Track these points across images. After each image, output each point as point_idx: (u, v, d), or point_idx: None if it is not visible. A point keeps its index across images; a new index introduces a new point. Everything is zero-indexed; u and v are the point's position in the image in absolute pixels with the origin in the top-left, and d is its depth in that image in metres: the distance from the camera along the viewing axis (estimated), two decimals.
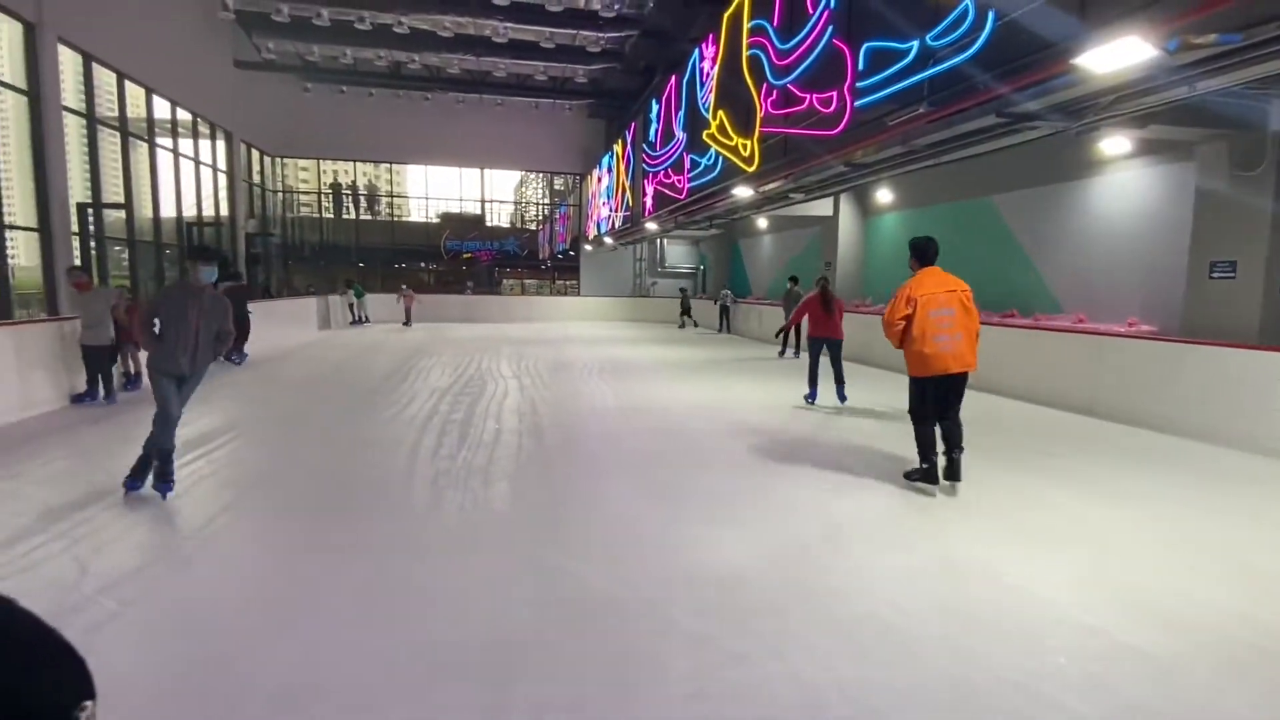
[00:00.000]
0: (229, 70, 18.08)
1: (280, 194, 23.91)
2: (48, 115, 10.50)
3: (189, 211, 16.02)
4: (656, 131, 16.76)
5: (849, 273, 15.29)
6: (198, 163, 16.45)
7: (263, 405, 8.47)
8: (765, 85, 10.12)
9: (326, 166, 25.50)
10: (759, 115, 10.36)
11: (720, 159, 12.18)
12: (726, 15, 11.74)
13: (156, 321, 4.46)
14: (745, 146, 10.94)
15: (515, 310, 24.93)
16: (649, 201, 17.62)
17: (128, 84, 13.09)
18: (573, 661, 2.73)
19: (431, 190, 26.38)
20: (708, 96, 12.81)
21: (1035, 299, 10.27)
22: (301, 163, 25.02)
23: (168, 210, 14.92)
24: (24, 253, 10.83)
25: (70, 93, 11.29)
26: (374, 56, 20.11)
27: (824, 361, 8.33)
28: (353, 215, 25.92)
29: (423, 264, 27.57)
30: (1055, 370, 8.50)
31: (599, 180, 23.68)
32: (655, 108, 16.89)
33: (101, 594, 3.21)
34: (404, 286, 22.21)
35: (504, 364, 12.10)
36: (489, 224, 27.14)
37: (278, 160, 23.28)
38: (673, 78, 15.47)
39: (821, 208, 14.96)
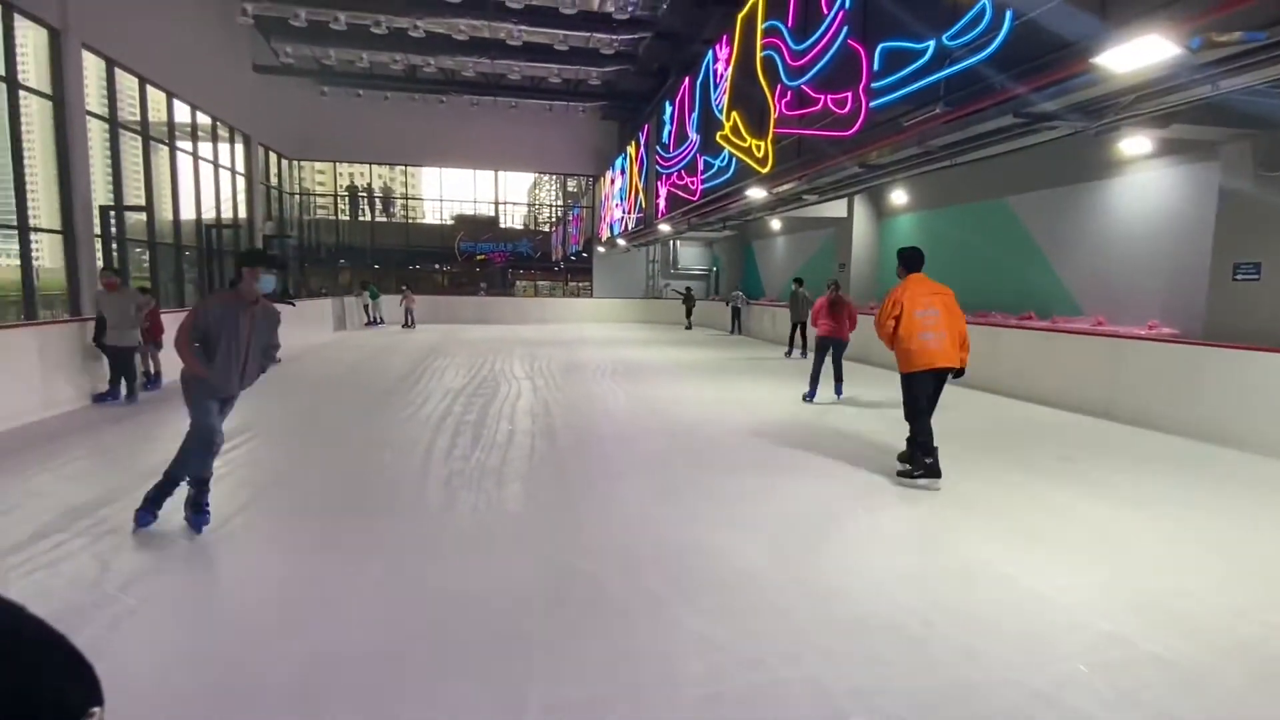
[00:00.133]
0: (248, 74, 18.30)
1: (297, 196, 24.16)
2: (72, 120, 10.67)
3: (208, 214, 16.21)
4: (670, 133, 16.76)
5: (863, 274, 15.19)
6: (217, 166, 16.65)
7: (279, 406, 8.55)
8: (779, 86, 10.09)
9: (343, 169, 25.74)
10: (773, 116, 10.33)
11: (734, 160, 12.15)
12: (740, 16, 11.72)
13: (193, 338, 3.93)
14: (759, 148, 10.91)
15: (528, 312, 25.01)
16: (662, 203, 17.62)
17: (149, 88, 13.28)
18: (586, 662, 2.72)
19: (446, 192, 26.55)
20: (721, 98, 12.79)
21: (1053, 301, 10.15)
22: (318, 165, 25.27)
23: (187, 212, 15.12)
24: (48, 254, 11.01)
25: (93, 97, 11.46)
26: (390, 60, 20.28)
27: (825, 362, 8.71)
28: (368, 217, 26.14)
29: (437, 265, 27.74)
30: (1073, 373, 8.39)
31: (612, 182, 23.71)
32: (668, 109, 16.90)
33: (121, 591, 3.25)
34: (404, 288, 22.18)
35: (517, 365, 12.14)
36: (503, 226, 27.26)
37: (295, 163, 23.51)
38: (686, 79, 15.47)
39: (835, 209, 14.88)
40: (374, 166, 25.71)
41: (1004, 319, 10.38)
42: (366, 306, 21.84)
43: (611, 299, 26.01)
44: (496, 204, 26.72)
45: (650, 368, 12.26)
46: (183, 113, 14.90)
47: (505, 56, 18.96)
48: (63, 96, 10.56)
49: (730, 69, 12.33)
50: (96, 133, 11.61)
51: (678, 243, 25.06)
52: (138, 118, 13.07)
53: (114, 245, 11.94)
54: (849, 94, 8.10)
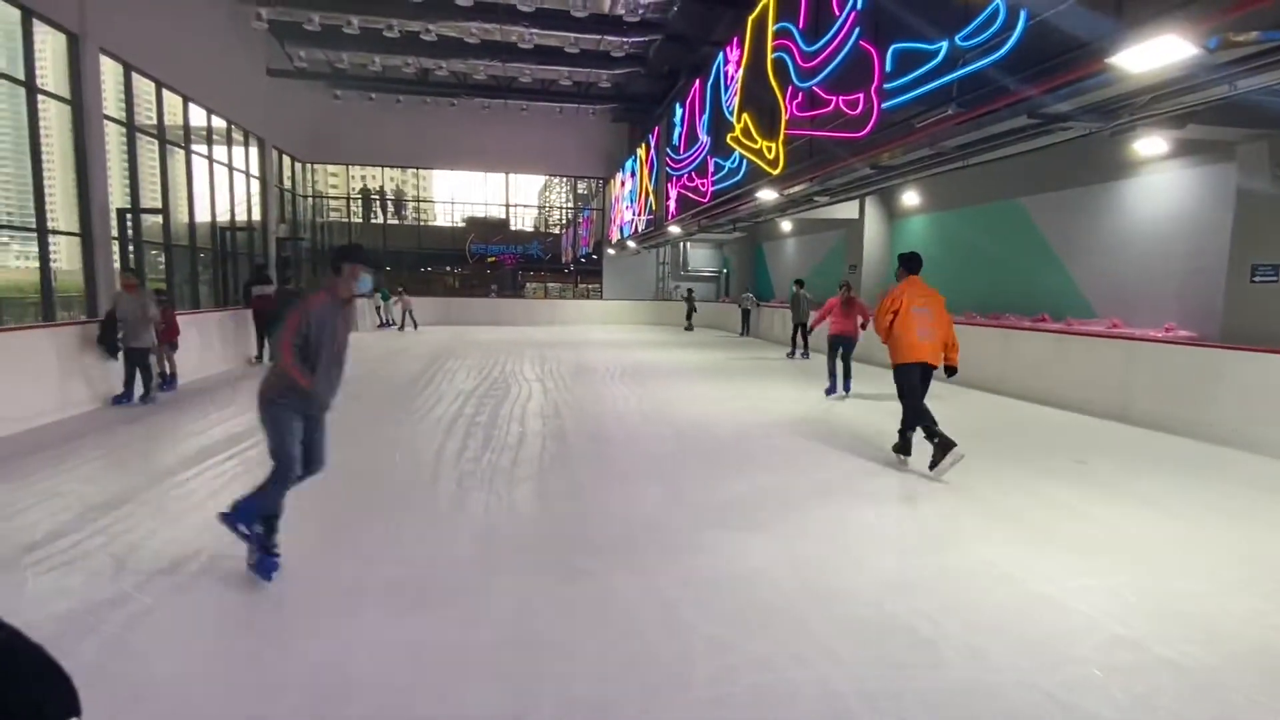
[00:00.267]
0: (262, 78, 18.48)
1: (310, 199, 24.36)
2: (90, 124, 10.81)
3: (223, 216, 16.38)
4: (680, 135, 16.76)
5: (875, 276, 15.12)
6: (231, 169, 16.82)
7: None
8: (790, 88, 10.06)
9: (355, 172, 25.93)
10: (784, 118, 10.31)
11: (744, 162, 12.13)
12: (751, 18, 11.71)
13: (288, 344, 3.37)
14: (770, 149, 10.89)
15: (538, 313, 25.08)
16: (672, 205, 17.62)
17: (166, 93, 13.44)
18: (595, 663, 2.73)
19: (457, 195, 26.69)
20: (732, 100, 12.78)
21: (1067, 303, 10.06)
22: (331, 168, 25.47)
23: (202, 215, 15.28)
24: (65, 256, 11.16)
25: (111, 102, 11.61)
26: (402, 64, 20.42)
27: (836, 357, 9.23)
28: (380, 220, 26.32)
29: (448, 268, 27.87)
30: (1087, 375, 8.32)
31: (622, 184, 23.75)
32: (679, 111, 16.90)
33: (138, 589, 3.29)
34: (400, 289, 21.93)
35: (527, 367, 12.18)
36: (513, 228, 27.36)
37: (308, 166, 23.71)
38: (696, 81, 15.47)
39: (847, 210, 14.83)
40: (386, 169, 25.88)
41: (1017, 321, 10.31)
42: (378, 309, 21.97)
43: (621, 301, 26.04)
44: (507, 206, 26.82)
45: (660, 369, 12.27)
46: (198, 116, 15.07)
47: (516, 59, 19.05)
48: (81, 101, 10.71)
49: (741, 71, 12.32)
50: (114, 137, 11.76)
51: (687, 244, 25.07)
52: (154, 122, 13.23)
53: (130, 248, 12.09)
54: (861, 95, 8.07)
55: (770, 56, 10.77)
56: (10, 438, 6.36)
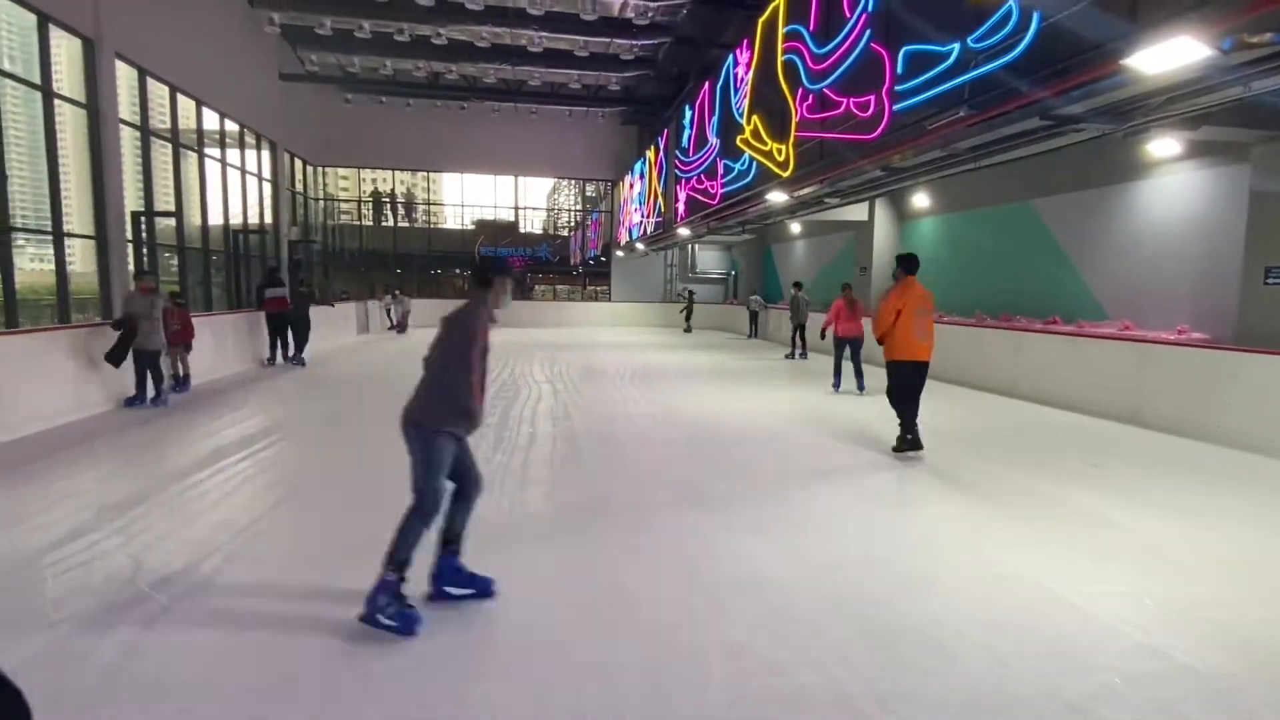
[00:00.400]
0: (274, 82, 18.63)
1: (321, 202, 24.52)
2: (105, 128, 10.93)
3: (235, 219, 16.51)
4: (689, 137, 16.77)
5: (885, 278, 15.05)
6: (244, 172, 16.96)
7: (306, 407, 8.68)
8: (801, 90, 10.06)
9: (366, 175, 26.09)
10: (794, 120, 10.31)
11: (754, 164, 12.13)
12: (761, 21, 11.72)
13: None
14: (780, 151, 10.89)
15: (547, 316, 25.13)
16: (681, 207, 17.63)
17: (179, 97, 13.57)
18: (608, 664, 2.73)
19: (467, 197, 26.80)
20: (742, 102, 12.78)
21: (1079, 305, 10.00)
22: (342, 171, 25.64)
23: (215, 218, 15.41)
24: (80, 259, 11.28)
25: (125, 105, 11.73)
26: (413, 67, 20.54)
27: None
28: (391, 222, 26.45)
29: (457, 270, 27.98)
30: (1100, 378, 8.26)
31: (631, 187, 23.78)
32: (688, 114, 16.92)
33: (155, 589, 3.32)
34: (397, 291, 21.53)
35: (537, 369, 12.20)
36: (522, 230, 27.44)
37: (319, 169, 23.88)
38: (706, 83, 15.48)
39: (856, 212, 14.79)
40: (396, 172, 26.02)
41: (1028, 323, 10.25)
42: (389, 310, 22.07)
43: (630, 303, 26.07)
44: (516, 209, 26.91)
45: (669, 371, 12.27)
46: (211, 120, 15.20)
47: (526, 63, 19.13)
48: (96, 105, 10.83)
49: (751, 73, 12.32)
50: (128, 140, 11.89)
51: (696, 246, 25.07)
52: (168, 125, 13.36)
53: (145, 250, 12.21)
54: (871, 97, 8.06)
55: (780, 59, 10.77)
56: (29, 438, 6.43)
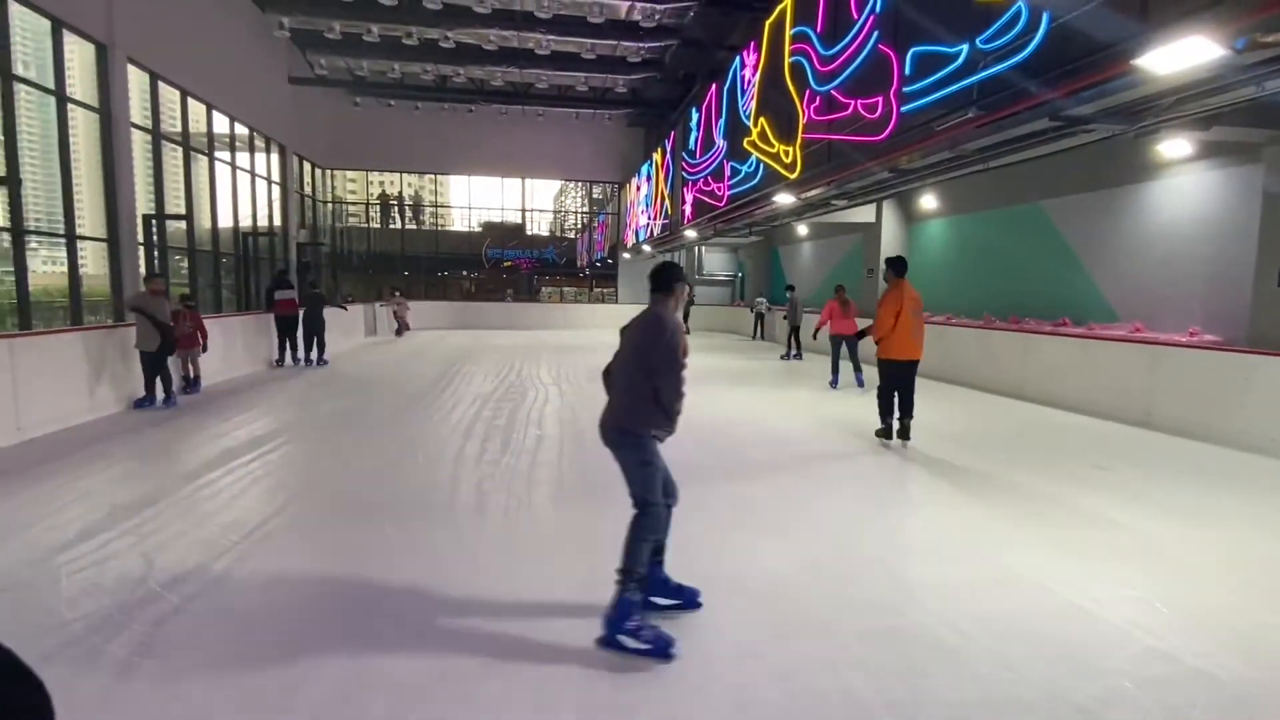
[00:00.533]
0: (283, 86, 18.77)
1: (330, 204, 24.66)
2: (117, 132, 11.04)
3: (245, 222, 16.62)
4: (696, 139, 16.78)
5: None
6: (253, 175, 17.08)
7: (314, 409, 8.72)
8: (808, 91, 10.05)
9: (374, 177, 26.23)
10: (801, 122, 10.30)
11: (761, 166, 12.12)
12: (768, 23, 11.71)
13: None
14: (787, 153, 10.87)
15: (554, 318, 25.18)
16: (688, 209, 17.63)
17: (190, 100, 13.69)
18: (617, 666, 2.73)
19: (474, 200, 26.90)
20: (749, 104, 12.78)
21: (1089, 307, 9.94)
22: (350, 174, 25.79)
23: (225, 220, 15.53)
24: (92, 261, 11.38)
25: (137, 110, 11.84)
26: (421, 70, 20.65)
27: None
28: (398, 225, 26.58)
29: (465, 272, 28.08)
30: (1110, 380, 8.21)
31: (638, 189, 23.81)
32: (695, 116, 16.92)
33: (166, 589, 3.34)
34: (395, 292, 20.92)
35: (544, 371, 12.22)
36: (529, 233, 27.52)
37: (327, 171, 24.02)
38: (713, 86, 15.48)
39: (864, 214, 14.76)
40: (404, 175, 26.14)
41: (1038, 325, 10.20)
42: (395, 312, 22.15)
43: (636, 305, 25.95)
44: (523, 211, 26.99)
45: None
46: (221, 124, 15.33)
47: (533, 65, 19.21)
48: (109, 109, 10.94)
49: (758, 75, 12.32)
50: (139, 144, 12.00)
51: (703, 248, 25.07)
52: (179, 129, 13.47)
53: (155, 253, 12.31)
54: (879, 99, 8.04)
55: (788, 60, 10.76)
56: (42, 439, 6.49)
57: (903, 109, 7.68)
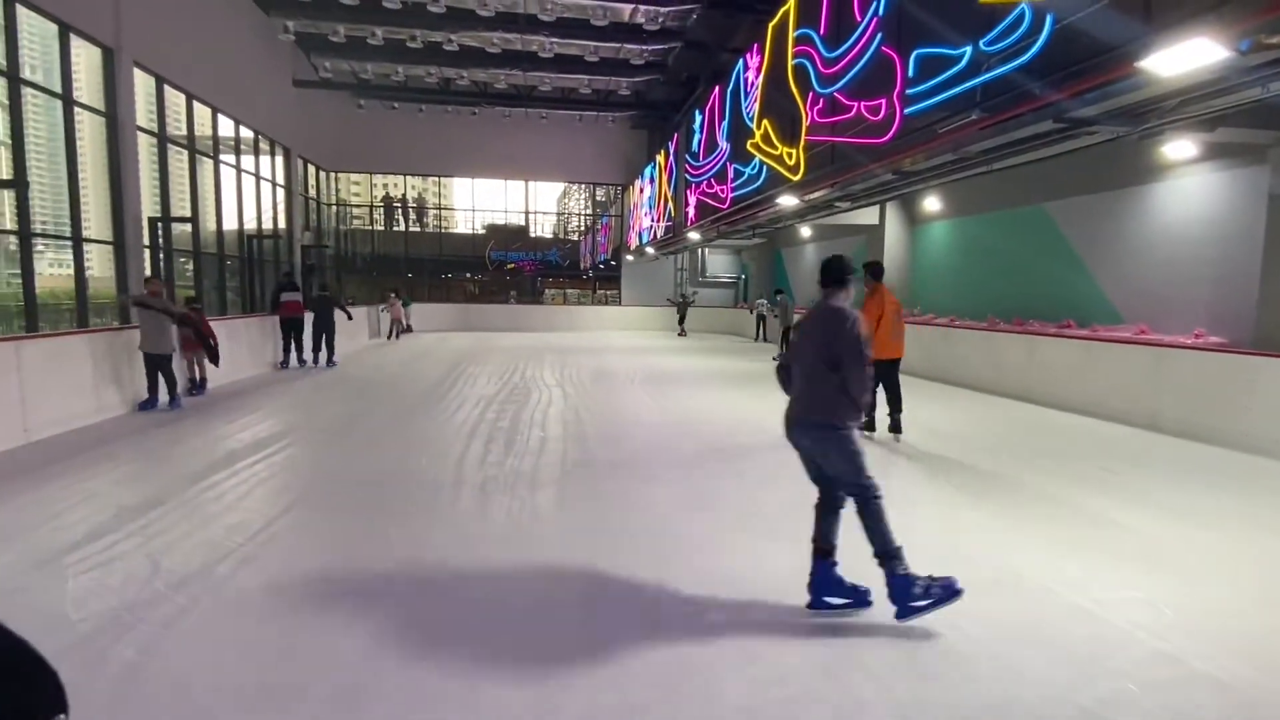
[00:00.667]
0: (288, 89, 18.85)
1: (334, 207, 24.74)
2: (123, 135, 11.09)
3: (249, 224, 16.69)
4: (700, 142, 16.80)
5: (895, 282, 14.98)
6: (258, 178, 17.15)
7: (318, 410, 8.75)
8: (811, 94, 10.06)
9: (377, 180, 26.32)
10: (804, 124, 10.31)
11: (764, 168, 12.14)
12: (771, 25, 11.73)
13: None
14: (790, 155, 10.89)
15: (557, 319, 25.20)
16: (691, 211, 17.66)
17: (196, 104, 13.75)
18: (621, 669, 2.73)
19: (478, 202, 26.97)
20: (752, 106, 12.80)
21: (1093, 309, 9.91)
22: (354, 176, 25.88)
23: (230, 223, 15.59)
24: (98, 264, 11.44)
25: (142, 113, 11.90)
26: (425, 73, 20.73)
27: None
28: (402, 227, 26.65)
29: (468, 274, 28.14)
30: (1114, 383, 8.18)
31: (641, 191, 23.84)
32: (698, 118, 16.95)
33: (173, 590, 3.36)
34: (391, 294, 20.15)
35: (547, 372, 12.24)
36: (532, 235, 27.57)
37: (332, 174, 24.11)
38: (716, 88, 15.51)
39: (867, 216, 14.74)
40: (408, 177, 26.22)
41: (1041, 327, 10.18)
42: (390, 314, 22.18)
43: (639, 307, 26.11)
44: (527, 213, 27.04)
45: (678, 375, 12.27)
46: (227, 127, 15.40)
47: (537, 68, 19.25)
48: (115, 113, 10.99)
49: (761, 77, 12.34)
50: (145, 147, 12.06)
51: (706, 250, 25.08)
52: (184, 132, 13.54)
53: (161, 255, 12.37)
54: (883, 101, 8.05)
55: (791, 63, 10.78)
56: (49, 440, 6.52)
57: (906, 111, 7.69)
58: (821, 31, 9.85)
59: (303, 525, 4.42)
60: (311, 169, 21.54)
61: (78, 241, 10.25)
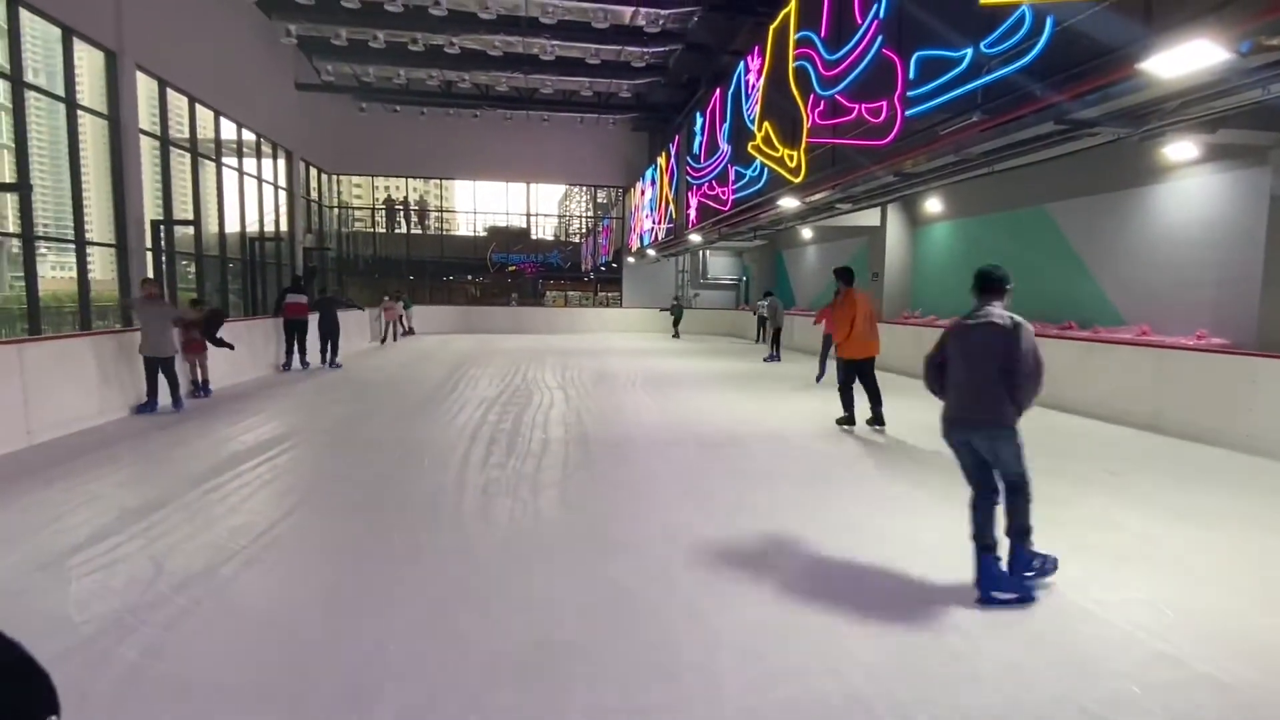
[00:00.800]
0: (290, 92, 18.90)
1: (336, 209, 24.79)
2: (126, 138, 11.13)
3: (251, 227, 16.73)
4: (701, 144, 16.83)
5: (897, 283, 15.00)
6: (260, 181, 17.19)
7: (321, 413, 8.76)
8: (812, 96, 10.08)
9: (379, 183, 26.36)
10: (806, 126, 10.32)
11: (765, 170, 12.15)
12: (772, 27, 11.75)
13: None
14: (791, 157, 10.90)
15: (558, 322, 25.22)
16: (692, 213, 17.68)
17: (198, 107, 13.79)
18: (625, 671, 2.74)
19: (479, 204, 27.01)
20: (753, 108, 12.82)
21: (1094, 311, 9.91)
22: (355, 179, 25.93)
23: (232, 226, 15.63)
24: (100, 267, 11.48)
25: (145, 116, 11.94)
26: (426, 76, 20.77)
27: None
28: (404, 230, 26.70)
29: (470, 276, 28.17)
30: (1117, 384, 8.18)
31: (642, 193, 23.87)
32: (699, 120, 16.98)
33: (176, 592, 3.37)
34: (386, 297, 19.86)
35: (549, 374, 12.24)
36: (534, 237, 27.60)
37: (333, 177, 24.16)
38: (717, 90, 15.54)
39: (868, 218, 14.74)
40: (409, 180, 26.27)
41: (1043, 329, 10.15)
42: (401, 317, 22.23)
43: (640, 309, 26.12)
44: (528, 216, 27.09)
45: (679, 377, 12.27)
46: (229, 130, 15.44)
47: (538, 71, 19.28)
48: (117, 116, 11.03)
49: (762, 80, 12.36)
50: (147, 150, 12.09)
51: (707, 252, 25.10)
52: (187, 135, 13.58)
53: (164, 258, 12.39)
54: (884, 103, 8.06)
55: (792, 65, 10.80)
56: (52, 442, 6.54)
57: (907, 113, 7.70)
58: (822, 34, 9.87)
59: (306, 528, 4.42)
60: (313, 171, 21.59)
61: (80, 244, 10.29)
